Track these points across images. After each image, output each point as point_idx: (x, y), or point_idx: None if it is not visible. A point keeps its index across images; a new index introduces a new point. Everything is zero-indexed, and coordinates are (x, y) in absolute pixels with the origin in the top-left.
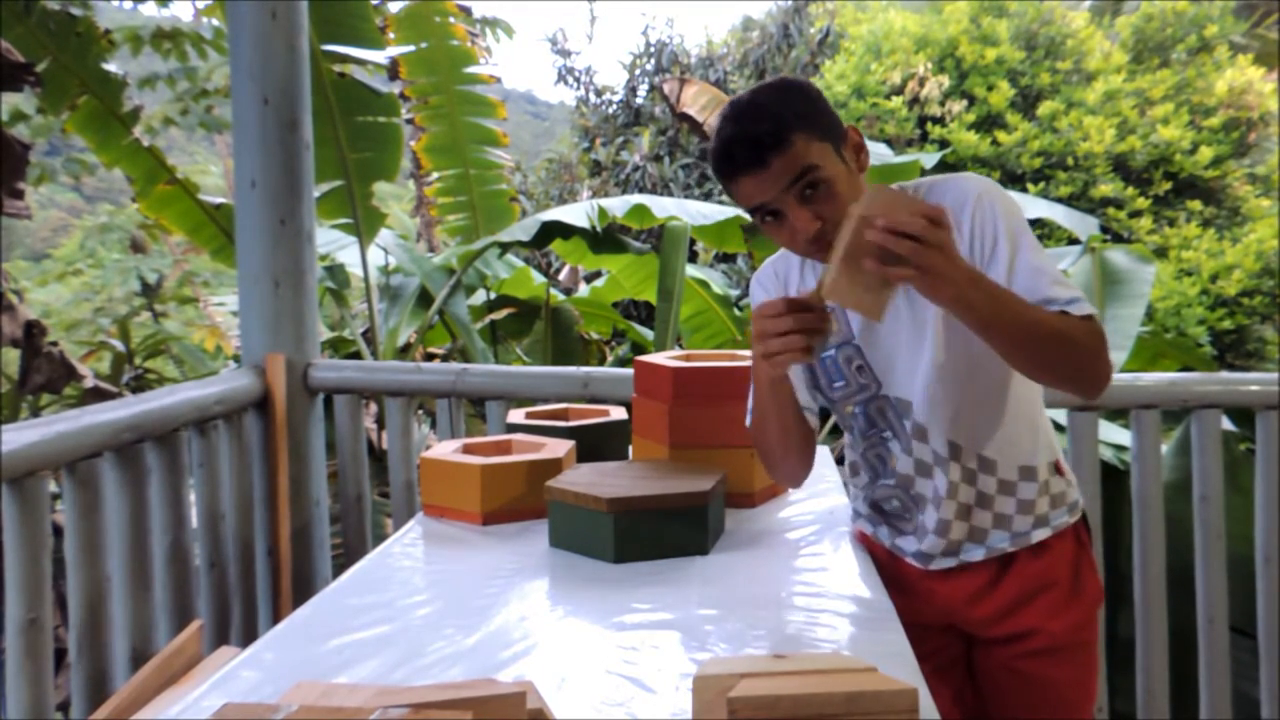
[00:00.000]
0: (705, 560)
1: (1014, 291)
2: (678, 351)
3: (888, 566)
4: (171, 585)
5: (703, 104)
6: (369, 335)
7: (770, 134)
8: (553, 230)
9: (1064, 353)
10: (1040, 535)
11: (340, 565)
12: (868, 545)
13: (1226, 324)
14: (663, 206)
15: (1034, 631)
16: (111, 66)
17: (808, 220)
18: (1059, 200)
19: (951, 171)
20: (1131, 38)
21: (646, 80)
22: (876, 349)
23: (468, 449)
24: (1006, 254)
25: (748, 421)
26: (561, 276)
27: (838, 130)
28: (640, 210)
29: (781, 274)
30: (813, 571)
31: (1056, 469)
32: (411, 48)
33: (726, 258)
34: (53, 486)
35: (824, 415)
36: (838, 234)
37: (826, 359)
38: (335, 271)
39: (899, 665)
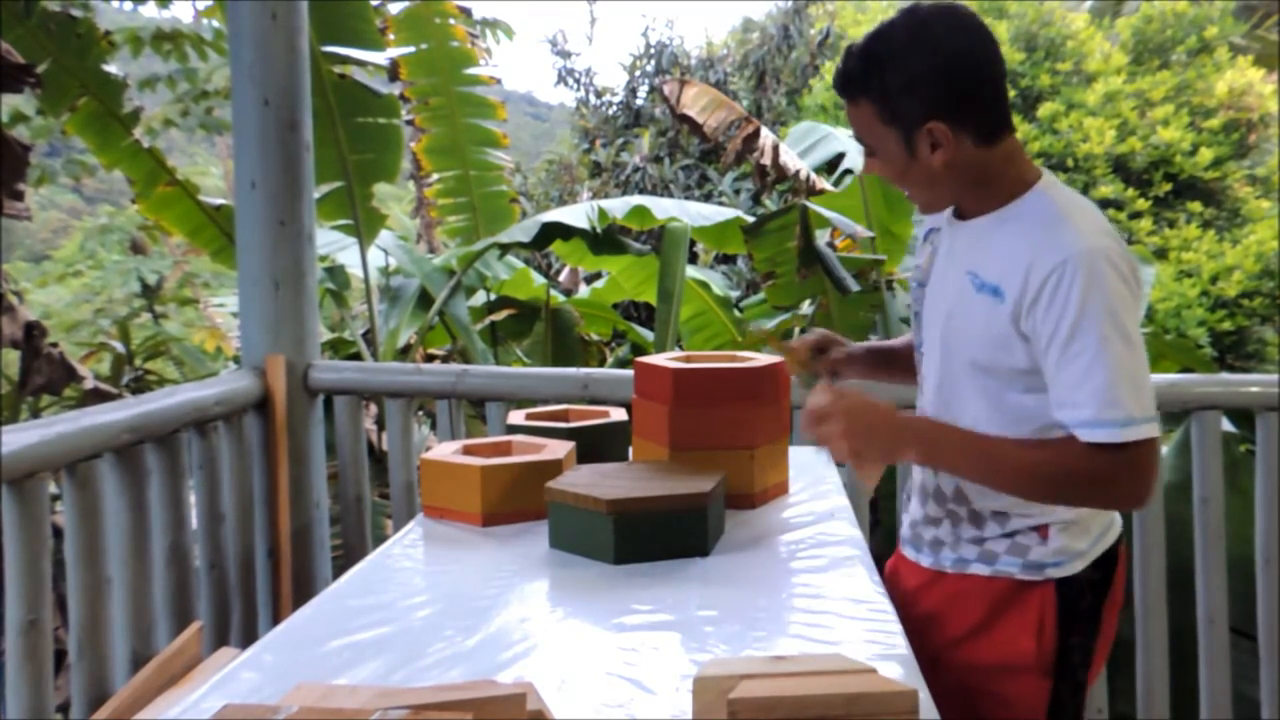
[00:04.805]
0: (705, 561)
1: (1052, 390)
2: (678, 353)
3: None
4: (171, 586)
5: (703, 105)
6: (369, 336)
7: (845, 83)
8: (553, 231)
9: (1045, 494)
10: (978, 570)
11: (340, 566)
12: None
13: (1226, 325)
14: (663, 208)
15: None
16: (112, 68)
17: (868, 168)
18: None
19: None
20: (1131, 39)
21: (646, 81)
22: (922, 316)
23: (468, 450)
24: (1059, 346)
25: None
26: (561, 278)
27: (911, 119)
28: (640, 211)
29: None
30: (813, 573)
31: (1040, 533)
32: (411, 49)
33: (726, 259)
34: (53, 488)
35: None
36: None
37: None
38: (335, 273)
39: (899, 666)
